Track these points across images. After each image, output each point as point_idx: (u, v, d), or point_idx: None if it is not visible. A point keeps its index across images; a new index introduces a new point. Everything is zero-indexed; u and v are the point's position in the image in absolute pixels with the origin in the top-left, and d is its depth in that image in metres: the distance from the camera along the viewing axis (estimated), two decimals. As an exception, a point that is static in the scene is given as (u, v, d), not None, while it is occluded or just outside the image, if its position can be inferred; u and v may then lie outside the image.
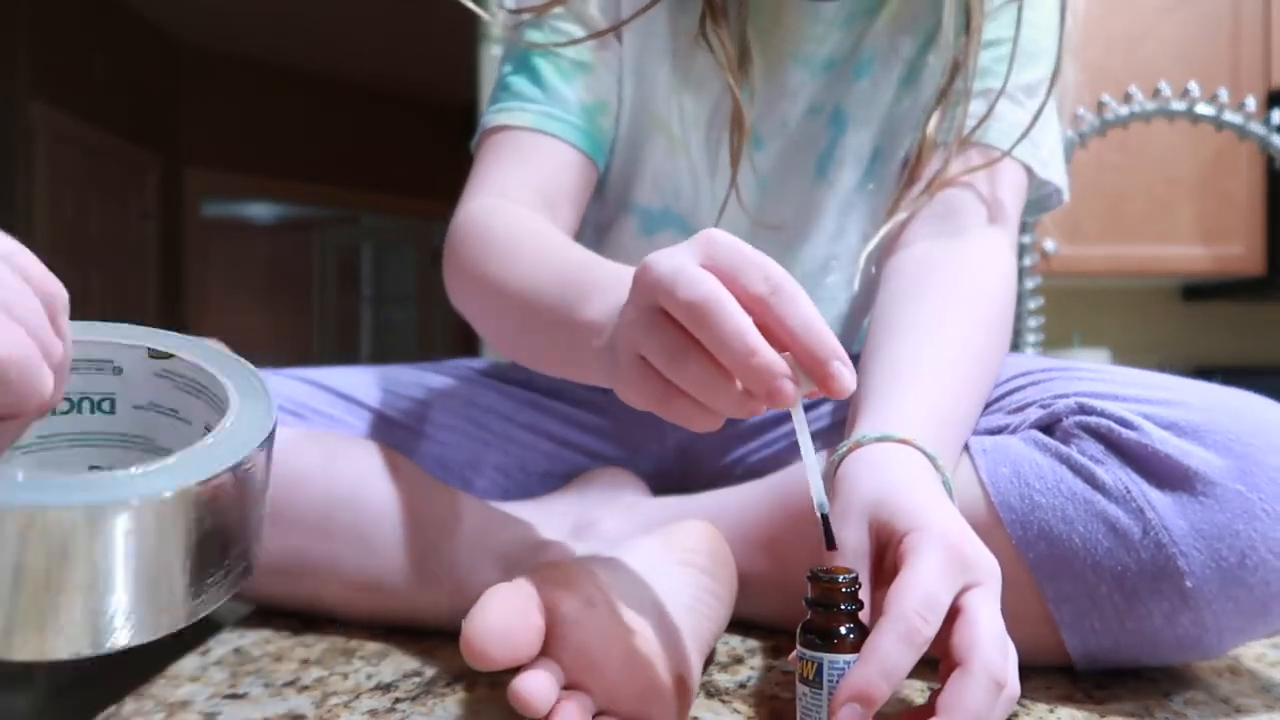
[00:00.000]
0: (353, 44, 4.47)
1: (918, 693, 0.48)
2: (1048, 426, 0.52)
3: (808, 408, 0.67)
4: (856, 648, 0.36)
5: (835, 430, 0.65)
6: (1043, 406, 0.53)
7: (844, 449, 0.48)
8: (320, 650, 0.56)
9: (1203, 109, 1.05)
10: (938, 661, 0.38)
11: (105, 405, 0.39)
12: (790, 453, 0.70)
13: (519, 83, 0.67)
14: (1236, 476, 0.45)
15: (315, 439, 0.61)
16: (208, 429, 0.37)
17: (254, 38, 4.48)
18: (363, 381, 0.75)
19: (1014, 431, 0.53)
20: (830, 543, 0.39)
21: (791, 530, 0.55)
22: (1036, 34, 0.65)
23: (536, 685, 0.39)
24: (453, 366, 0.80)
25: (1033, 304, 1.17)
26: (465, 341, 4.55)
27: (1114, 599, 0.46)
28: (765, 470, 0.65)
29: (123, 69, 4.06)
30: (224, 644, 0.57)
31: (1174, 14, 2.19)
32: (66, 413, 0.39)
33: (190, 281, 4.69)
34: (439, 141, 4.97)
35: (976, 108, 0.63)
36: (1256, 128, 1.03)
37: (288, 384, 0.72)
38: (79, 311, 0.39)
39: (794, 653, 0.39)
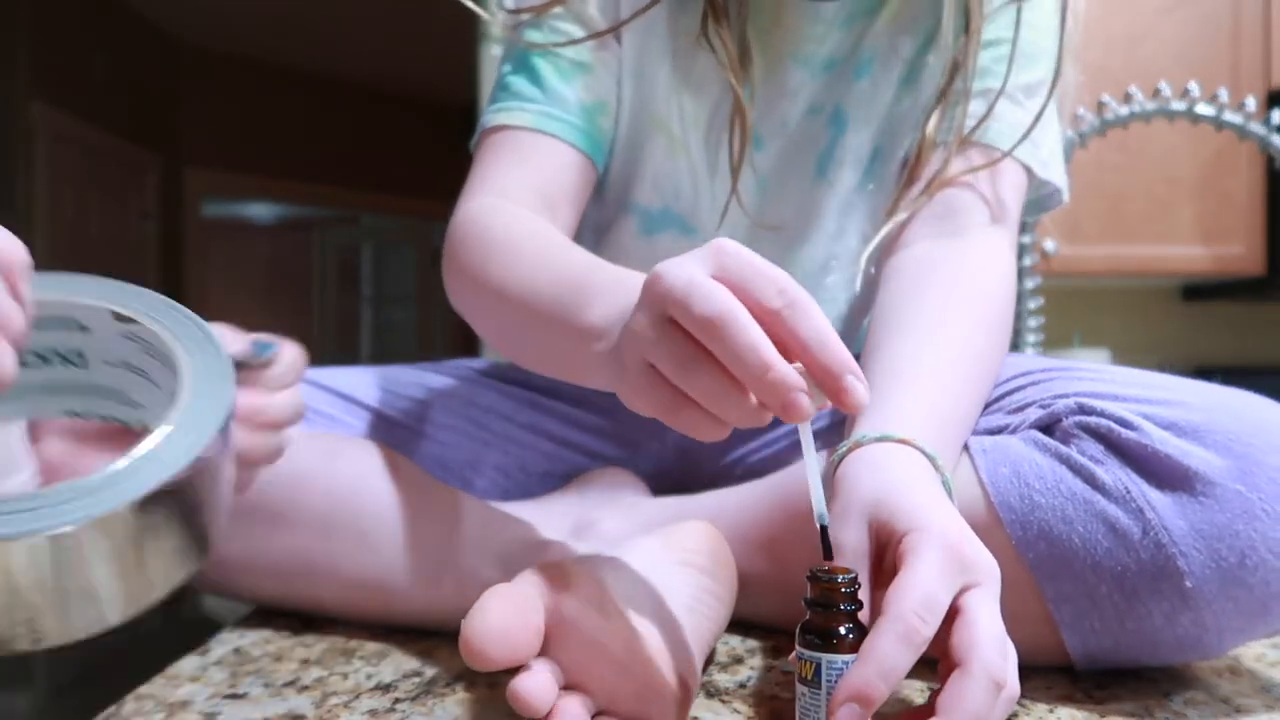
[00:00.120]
0: (353, 44, 4.47)
1: (918, 693, 0.48)
2: (1047, 426, 0.52)
3: None
4: (855, 648, 0.36)
5: (835, 430, 0.65)
6: (1042, 406, 0.53)
7: (844, 449, 0.48)
8: (320, 650, 0.56)
9: (1203, 109, 1.05)
10: (938, 661, 0.38)
11: (76, 359, 0.39)
12: (790, 452, 0.70)
13: (518, 82, 0.67)
14: (1236, 476, 0.45)
15: (315, 439, 0.61)
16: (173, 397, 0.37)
17: (254, 38, 4.48)
18: (363, 381, 0.75)
19: (1014, 431, 0.53)
20: (828, 555, 0.39)
21: (791, 530, 0.55)
22: (1036, 34, 0.65)
23: (536, 685, 0.39)
24: (453, 366, 0.80)
25: (1033, 304, 1.17)
26: (465, 341, 4.55)
27: (1114, 599, 0.46)
28: (765, 470, 0.65)
29: (123, 69, 4.06)
30: (224, 644, 0.57)
31: (1174, 14, 2.19)
32: (38, 368, 0.39)
33: (190, 281, 4.69)
34: (439, 141, 4.96)
35: (976, 108, 0.63)
36: (1256, 128, 1.03)
37: (288, 384, 0.72)
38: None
39: (794, 653, 0.39)
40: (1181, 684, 0.50)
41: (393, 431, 0.72)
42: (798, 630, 0.38)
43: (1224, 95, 1.05)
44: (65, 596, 0.31)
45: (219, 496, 0.36)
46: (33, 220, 3.45)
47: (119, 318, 0.38)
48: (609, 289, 0.46)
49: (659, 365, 0.37)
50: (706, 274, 0.36)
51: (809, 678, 0.38)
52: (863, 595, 0.39)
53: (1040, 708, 0.47)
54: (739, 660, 0.54)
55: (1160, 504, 0.45)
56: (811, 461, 0.38)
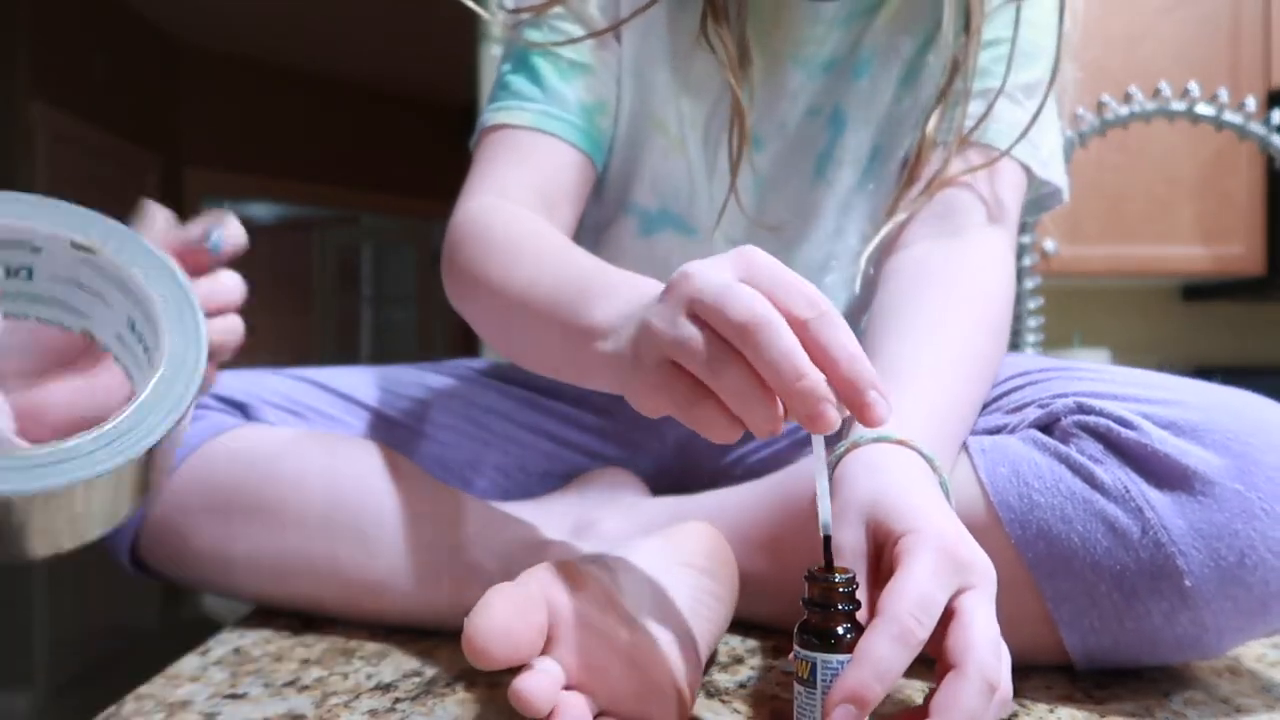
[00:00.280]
0: (353, 44, 4.47)
1: (918, 692, 0.48)
2: (1046, 426, 0.52)
3: None
4: (852, 648, 0.37)
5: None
6: (1041, 406, 0.53)
7: (841, 449, 0.48)
8: (320, 650, 0.56)
9: (1203, 109, 1.05)
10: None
11: (23, 274, 0.40)
12: (790, 453, 0.70)
13: (518, 82, 0.67)
14: (1235, 476, 0.45)
15: (315, 439, 0.61)
16: (132, 324, 0.39)
17: (254, 38, 4.48)
18: (363, 381, 0.75)
19: (1013, 431, 0.53)
20: (829, 565, 0.39)
21: (792, 530, 0.55)
22: (1035, 34, 0.65)
23: (537, 685, 0.39)
24: (453, 366, 0.80)
25: (1033, 304, 1.17)
26: (465, 341, 4.55)
27: (1113, 598, 0.46)
28: (765, 470, 0.65)
29: (123, 69, 4.05)
30: (224, 644, 0.57)
31: (1174, 14, 2.19)
32: None
33: (190, 281, 4.68)
34: (439, 141, 4.96)
35: (976, 108, 0.63)
36: (1256, 128, 1.03)
37: (287, 384, 0.72)
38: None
39: (792, 652, 0.39)
40: (1181, 684, 0.50)
41: (393, 431, 0.72)
42: (795, 630, 0.39)
43: (1224, 95, 1.05)
44: (76, 520, 0.35)
45: (181, 429, 0.38)
46: (33, 220, 3.44)
47: (78, 246, 0.39)
48: (614, 289, 0.46)
49: (685, 362, 0.37)
50: (736, 279, 0.36)
51: (805, 677, 0.38)
52: (860, 595, 0.39)
53: (1040, 708, 0.47)
54: (739, 660, 0.54)
55: (1159, 503, 0.45)
56: (821, 471, 0.38)
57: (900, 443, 0.46)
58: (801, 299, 0.36)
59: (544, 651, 0.41)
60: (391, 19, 4.04)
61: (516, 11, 0.68)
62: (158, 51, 4.41)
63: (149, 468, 0.36)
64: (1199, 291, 2.49)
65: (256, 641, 0.57)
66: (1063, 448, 0.49)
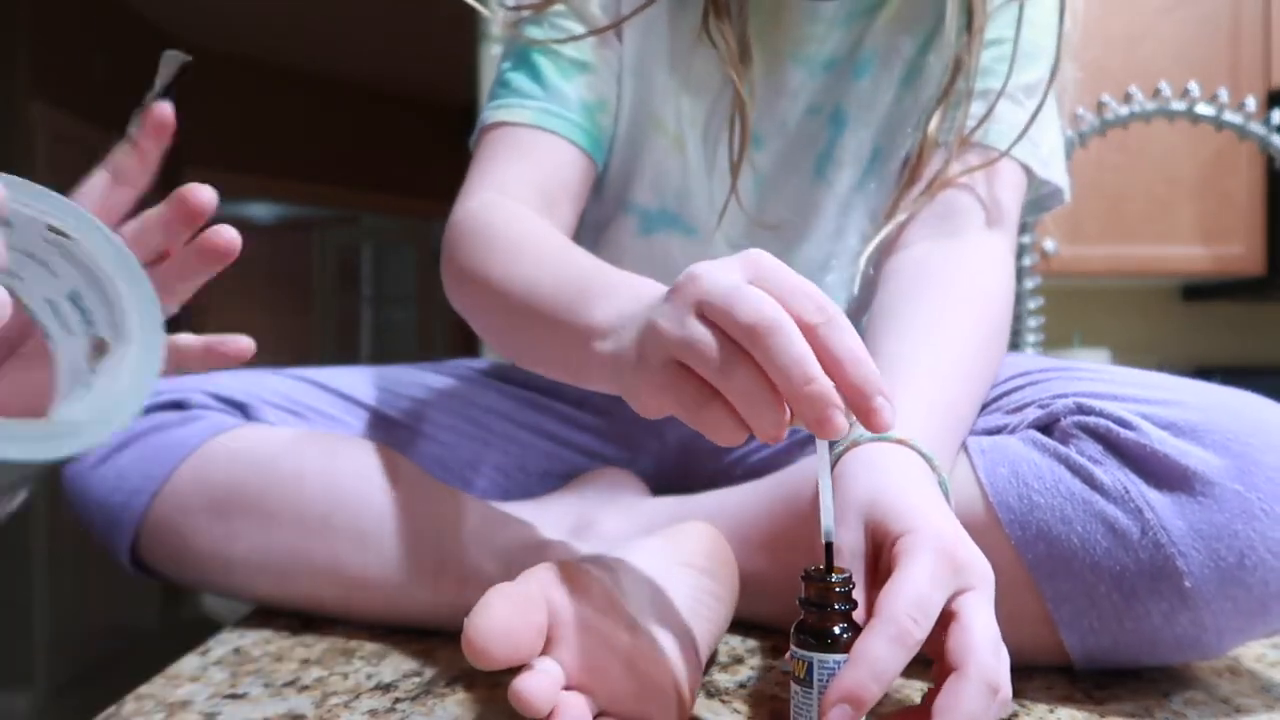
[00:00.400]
0: (353, 44, 4.47)
1: (916, 692, 0.48)
2: (1046, 426, 0.52)
3: None
4: (849, 648, 0.36)
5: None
6: (1041, 406, 0.53)
7: (840, 448, 0.48)
8: (320, 650, 0.56)
9: (1203, 109, 1.05)
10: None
11: None
12: (790, 453, 0.70)
13: (518, 79, 0.67)
14: (1235, 476, 0.45)
15: (315, 439, 0.61)
16: (75, 298, 0.40)
17: (254, 38, 4.48)
18: (363, 381, 0.75)
19: (1012, 431, 0.53)
20: (829, 570, 0.39)
21: (792, 530, 0.55)
22: (1037, 33, 0.65)
23: (537, 685, 0.39)
24: (453, 366, 0.80)
25: (1033, 304, 1.17)
26: (465, 341, 4.55)
27: (1113, 599, 0.46)
28: (765, 470, 0.65)
29: (123, 69, 4.05)
30: (224, 644, 0.57)
31: (1174, 14, 2.19)
32: None
33: (190, 282, 4.68)
34: (439, 141, 4.96)
35: (977, 108, 0.63)
36: (1256, 128, 1.03)
37: (287, 384, 0.72)
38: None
39: (789, 652, 0.39)
40: (1181, 684, 0.50)
41: (393, 431, 0.72)
42: (793, 629, 0.39)
43: (1224, 95, 1.05)
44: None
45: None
46: (33, 220, 3.44)
47: (54, 230, 0.39)
48: (615, 290, 0.46)
49: (693, 363, 0.37)
50: (743, 280, 0.36)
51: (802, 677, 0.38)
52: (858, 595, 0.39)
53: (1040, 708, 0.47)
54: (739, 660, 0.54)
55: (1159, 504, 0.45)
56: (825, 476, 0.38)
57: (899, 442, 0.46)
58: (810, 303, 0.36)
59: (544, 652, 0.41)
60: (391, 19, 4.04)
61: (517, 9, 0.68)
62: (158, 51, 4.40)
63: None
64: (1199, 291, 2.49)
65: (256, 641, 0.57)
66: (1062, 448, 0.49)
